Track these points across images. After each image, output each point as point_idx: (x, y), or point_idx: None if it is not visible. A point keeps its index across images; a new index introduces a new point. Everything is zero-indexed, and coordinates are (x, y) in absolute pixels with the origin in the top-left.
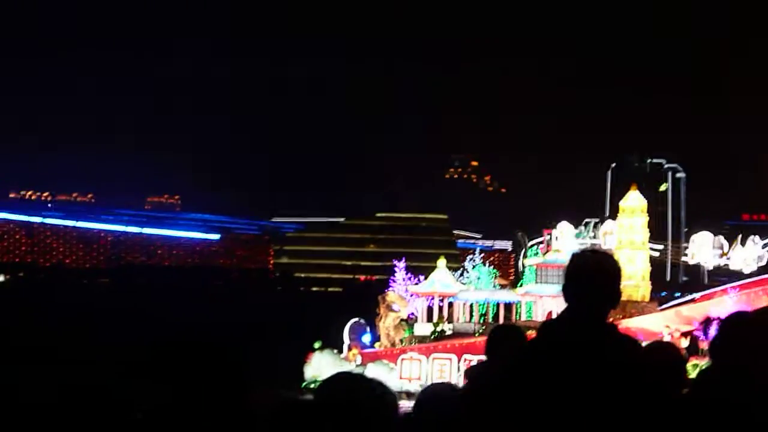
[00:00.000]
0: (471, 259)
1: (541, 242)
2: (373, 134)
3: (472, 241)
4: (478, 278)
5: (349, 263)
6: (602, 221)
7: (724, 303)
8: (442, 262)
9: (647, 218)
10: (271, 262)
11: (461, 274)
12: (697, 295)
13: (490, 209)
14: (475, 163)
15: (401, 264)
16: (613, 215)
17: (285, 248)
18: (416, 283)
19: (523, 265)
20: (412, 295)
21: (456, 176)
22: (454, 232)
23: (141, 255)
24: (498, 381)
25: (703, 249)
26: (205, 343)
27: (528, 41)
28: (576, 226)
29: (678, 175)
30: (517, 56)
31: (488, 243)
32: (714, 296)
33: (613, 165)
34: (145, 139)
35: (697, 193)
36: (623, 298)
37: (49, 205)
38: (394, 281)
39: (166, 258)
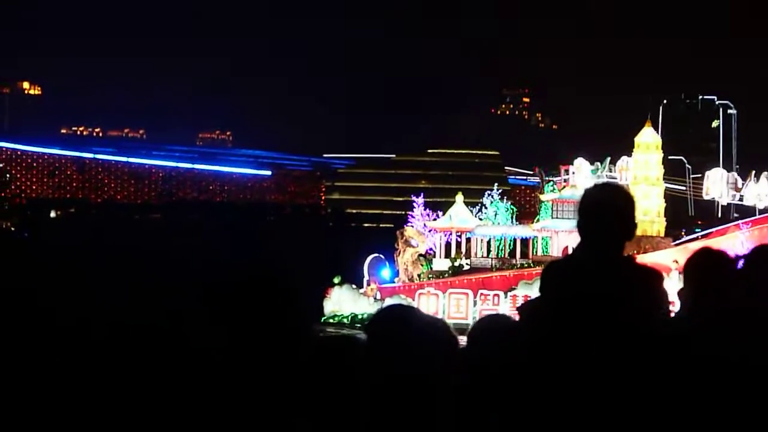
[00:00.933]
0: (489, 195)
1: (559, 178)
2: (426, 73)
3: (523, 177)
4: (496, 214)
5: (400, 199)
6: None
7: (736, 239)
8: (459, 198)
9: (662, 154)
10: (323, 198)
11: (479, 210)
12: (709, 231)
13: (542, 145)
14: (526, 100)
15: (419, 200)
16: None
17: (336, 184)
18: (434, 219)
19: (540, 200)
20: (430, 231)
21: (507, 112)
22: (506, 168)
23: (192, 191)
24: (541, 320)
25: (716, 185)
26: (259, 280)
27: None
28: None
29: (729, 111)
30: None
31: (538, 179)
32: (726, 232)
33: (664, 102)
34: (196, 75)
35: (752, 129)
36: (638, 233)
37: (101, 140)
38: (412, 216)
39: (217, 194)
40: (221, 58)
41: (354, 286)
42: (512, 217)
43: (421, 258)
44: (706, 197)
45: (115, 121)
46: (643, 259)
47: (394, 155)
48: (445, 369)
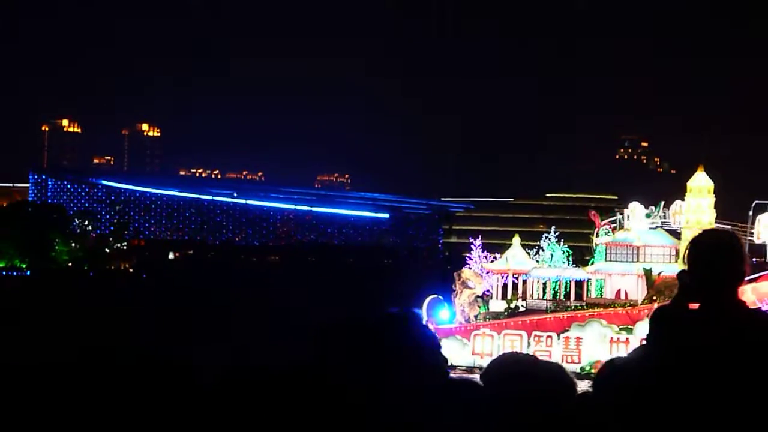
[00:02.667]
0: (546, 238)
1: (614, 222)
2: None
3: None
4: (552, 256)
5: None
6: None
7: None
8: (516, 240)
9: (713, 198)
10: (441, 241)
11: (537, 252)
12: (757, 276)
13: (661, 190)
14: (645, 144)
15: (477, 242)
16: None
17: (454, 227)
18: (492, 261)
19: (595, 244)
20: (487, 273)
21: (626, 157)
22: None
23: (310, 233)
24: (656, 365)
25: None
26: (395, 320)
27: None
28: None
29: None
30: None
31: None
32: None
33: None
34: (314, 118)
35: None
36: None
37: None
38: (470, 258)
39: (335, 236)
40: (339, 102)
41: None
42: (568, 259)
43: (479, 299)
44: (757, 241)
45: (233, 163)
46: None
47: (512, 198)
48: (566, 412)
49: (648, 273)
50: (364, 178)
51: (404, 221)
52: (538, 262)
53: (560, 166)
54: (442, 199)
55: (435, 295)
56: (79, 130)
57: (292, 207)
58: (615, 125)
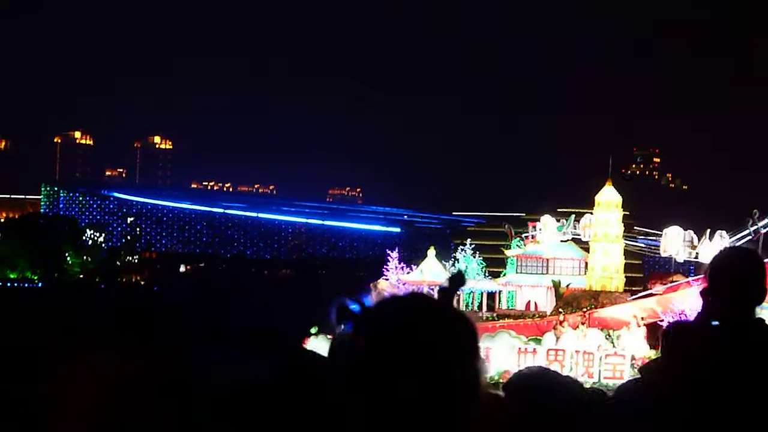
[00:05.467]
0: (462, 250)
1: (526, 235)
2: (559, 131)
3: (653, 237)
4: (466, 268)
5: None
6: None
7: (688, 295)
8: (431, 252)
9: (621, 212)
10: (452, 255)
11: (452, 264)
12: (663, 287)
13: (672, 206)
14: (657, 160)
15: (394, 254)
16: None
17: (466, 242)
18: (408, 272)
19: (506, 256)
20: (403, 284)
21: (638, 172)
22: (635, 228)
23: (322, 247)
24: (675, 383)
25: (673, 243)
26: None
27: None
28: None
29: None
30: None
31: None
32: (678, 288)
33: None
34: (328, 132)
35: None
36: (597, 288)
37: (231, 195)
38: (387, 270)
39: (347, 250)
40: (352, 116)
41: (330, 336)
42: (483, 272)
43: None
44: (663, 254)
45: (245, 176)
46: (600, 313)
47: (524, 213)
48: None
49: (556, 285)
50: (375, 192)
51: (416, 235)
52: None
53: (574, 181)
54: (454, 213)
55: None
56: (91, 143)
57: (304, 221)
58: (629, 141)
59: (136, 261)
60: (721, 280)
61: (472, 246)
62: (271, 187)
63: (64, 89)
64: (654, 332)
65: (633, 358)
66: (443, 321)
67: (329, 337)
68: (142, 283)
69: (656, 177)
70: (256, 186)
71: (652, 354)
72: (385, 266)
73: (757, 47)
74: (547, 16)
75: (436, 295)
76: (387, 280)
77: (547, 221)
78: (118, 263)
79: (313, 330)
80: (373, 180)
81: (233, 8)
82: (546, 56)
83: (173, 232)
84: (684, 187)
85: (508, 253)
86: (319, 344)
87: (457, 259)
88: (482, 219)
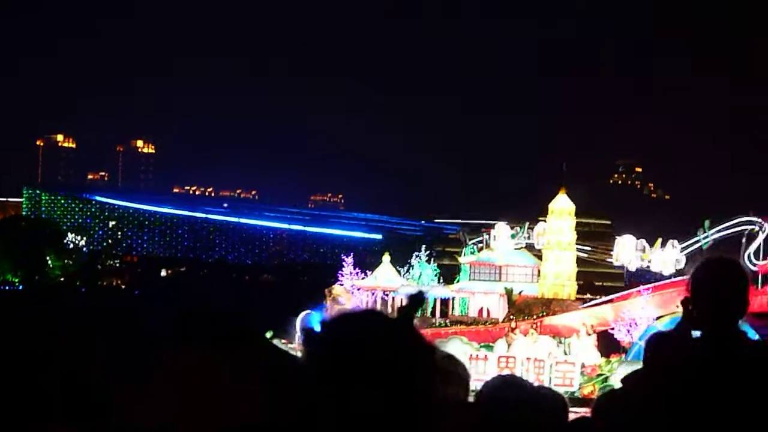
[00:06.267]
0: (417, 256)
1: (480, 241)
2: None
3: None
4: (420, 275)
5: None
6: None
7: (638, 303)
8: (386, 258)
9: (574, 220)
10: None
11: (407, 270)
12: (614, 296)
13: (654, 216)
14: (639, 169)
15: (349, 259)
16: None
17: (447, 249)
18: (363, 278)
19: (460, 263)
20: (358, 289)
21: (620, 182)
22: (616, 236)
23: (304, 253)
24: (658, 394)
25: (625, 251)
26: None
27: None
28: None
29: None
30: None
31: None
32: (629, 297)
33: None
34: (308, 138)
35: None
36: (549, 295)
37: (213, 200)
38: (341, 275)
39: (328, 256)
40: (334, 122)
41: (284, 341)
42: (438, 278)
43: None
44: (616, 263)
45: (227, 181)
46: (552, 321)
47: (504, 222)
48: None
49: (509, 292)
50: (357, 198)
51: (396, 242)
52: (408, 279)
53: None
54: (436, 220)
55: (308, 311)
56: (74, 146)
57: (286, 226)
58: (611, 150)
59: (117, 264)
60: (704, 291)
61: (429, 252)
62: (254, 192)
63: (49, 90)
64: (605, 340)
65: (583, 365)
66: (398, 337)
67: (283, 341)
68: (123, 287)
69: (638, 186)
70: (238, 191)
71: (603, 362)
72: (339, 271)
73: (757, 47)
74: (547, 16)
75: (391, 302)
76: (341, 285)
77: (500, 228)
78: (99, 267)
79: (268, 334)
80: (354, 186)
81: (230, 8)
82: (546, 56)
83: (155, 236)
84: (666, 196)
85: (461, 260)
86: None
87: (412, 266)
88: (459, 227)
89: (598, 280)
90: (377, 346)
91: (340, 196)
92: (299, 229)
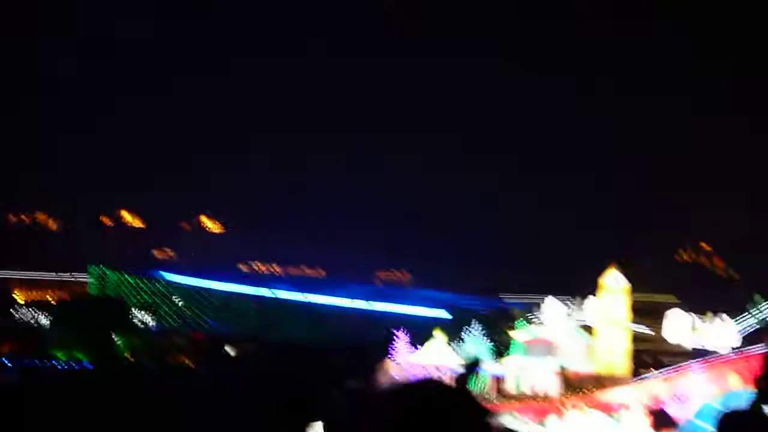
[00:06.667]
0: (469, 332)
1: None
2: (611, 219)
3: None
4: (473, 352)
5: None
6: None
7: (691, 379)
8: (438, 333)
9: (627, 297)
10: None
11: (458, 345)
12: (666, 370)
13: (721, 294)
14: (707, 248)
15: (401, 334)
16: None
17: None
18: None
19: (510, 337)
20: (410, 365)
21: (688, 259)
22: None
23: (371, 332)
24: None
25: (676, 326)
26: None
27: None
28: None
29: None
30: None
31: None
32: (680, 372)
33: None
34: (374, 214)
35: None
36: (602, 371)
37: (279, 277)
38: (394, 350)
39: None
40: (398, 199)
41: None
42: (492, 353)
43: None
44: (670, 341)
45: (293, 258)
46: (603, 395)
47: (570, 297)
48: None
49: (563, 369)
50: (425, 276)
51: (462, 319)
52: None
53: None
54: (501, 296)
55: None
56: (140, 224)
57: (351, 305)
58: (676, 227)
59: (184, 342)
60: None
61: (482, 329)
62: (319, 269)
63: (111, 166)
64: (658, 416)
65: None
66: (457, 402)
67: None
68: (192, 366)
69: (707, 265)
70: (302, 267)
71: None
72: (391, 346)
73: None
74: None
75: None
76: (393, 360)
77: (551, 303)
78: (167, 345)
79: None
80: (422, 262)
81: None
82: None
83: (221, 314)
84: (736, 276)
85: (512, 334)
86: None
87: (463, 341)
88: (531, 304)
89: (661, 357)
90: (438, 410)
91: (406, 272)
92: (365, 308)
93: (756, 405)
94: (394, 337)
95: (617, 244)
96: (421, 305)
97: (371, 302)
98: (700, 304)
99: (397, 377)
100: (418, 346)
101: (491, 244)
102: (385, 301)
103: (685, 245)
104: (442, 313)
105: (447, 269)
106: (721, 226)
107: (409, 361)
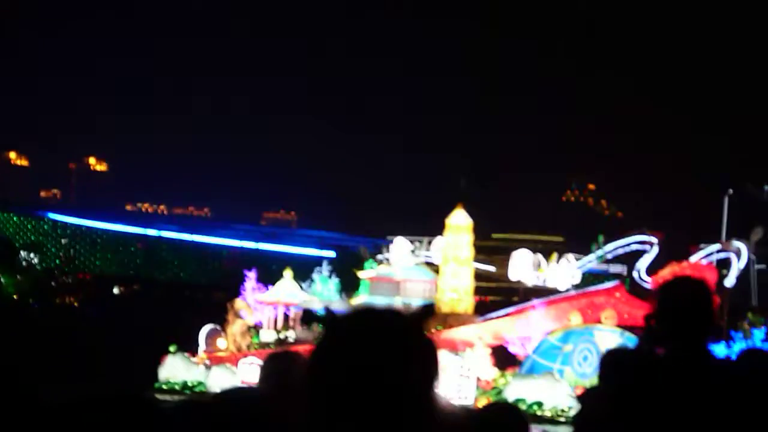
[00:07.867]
0: (318, 271)
1: (382, 256)
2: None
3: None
4: (321, 290)
5: None
6: (723, 247)
7: (533, 318)
8: (287, 273)
9: (472, 236)
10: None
11: (309, 285)
12: (510, 310)
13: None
14: (592, 187)
15: (251, 274)
16: (728, 241)
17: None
18: (264, 292)
19: (358, 277)
20: (260, 303)
21: (572, 199)
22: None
23: (257, 271)
24: (613, 411)
25: (520, 266)
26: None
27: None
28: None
29: None
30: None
31: (603, 267)
32: (523, 311)
33: (730, 192)
34: (261, 155)
35: None
36: (446, 310)
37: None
38: (244, 290)
39: (281, 274)
40: (287, 139)
41: (187, 354)
42: (340, 293)
43: (251, 330)
44: (512, 279)
45: (179, 198)
46: (448, 334)
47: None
48: None
49: (407, 307)
50: (310, 216)
51: (350, 259)
52: (308, 294)
53: (505, 207)
54: (387, 237)
55: (212, 325)
56: (26, 164)
57: (239, 244)
58: (562, 167)
59: (70, 282)
60: (670, 308)
61: (331, 267)
62: (206, 210)
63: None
64: (500, 354)
65: (478, 379)
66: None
67: (186, 354)
68: (76, 304)
69: (591, 204)
70: (190, 208)
71: (498, 375)
72: (242, 286)
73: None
74: None
75: (292, 317)
76: (244, 299)
77: (399, 243)
78: (52, 284)
79: (172, 348)
80: (307, 203)
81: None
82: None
83: (107, 254)
84: (618, 213)
85: (360, 274)
86: (177, 362)
87: (314, 280)
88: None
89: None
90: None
91: (293, 213)
92: (252, 247)
93: (645, 344)
94: (245, 277)
95: (508, 187)
96: (307, 246)
97: (258, 243)
98: (586, 244)
99: (245, 316)
100: (269, 286)
101: (365, 184)
102: (271, 242)
103: (571, 186)
104: (330, 254)
105: (332, 211)
106: (606, 167)
107: (258, 300)
